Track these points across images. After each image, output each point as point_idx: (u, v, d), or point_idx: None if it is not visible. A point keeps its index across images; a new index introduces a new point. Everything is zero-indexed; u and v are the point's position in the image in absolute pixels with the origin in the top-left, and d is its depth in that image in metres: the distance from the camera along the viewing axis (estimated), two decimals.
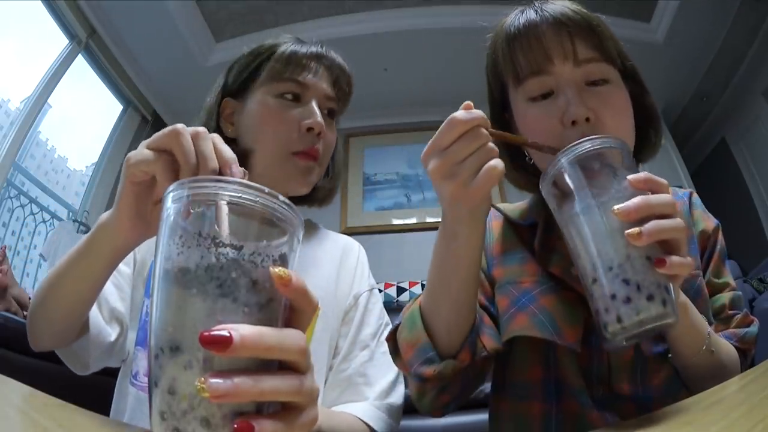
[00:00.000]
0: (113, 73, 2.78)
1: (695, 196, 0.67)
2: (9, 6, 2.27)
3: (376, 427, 0.62)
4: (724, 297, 0.59)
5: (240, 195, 0.28)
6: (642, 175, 0.40)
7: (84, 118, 3.00)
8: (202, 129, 0.40)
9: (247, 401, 0.26)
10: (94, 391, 0.69)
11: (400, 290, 2.64)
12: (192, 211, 0.28)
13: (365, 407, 0.63)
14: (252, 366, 0.26)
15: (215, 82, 0.76)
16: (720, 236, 0.63)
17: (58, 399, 0.40)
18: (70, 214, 2.73)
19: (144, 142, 0.41)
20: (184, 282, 0.26)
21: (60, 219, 2.65)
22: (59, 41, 2.50)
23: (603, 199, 0.40)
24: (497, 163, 0.41)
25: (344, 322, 0.72)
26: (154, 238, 0.44)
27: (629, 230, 0.37)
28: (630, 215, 0.38)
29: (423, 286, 2.64)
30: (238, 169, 0.40)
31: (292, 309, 0.29)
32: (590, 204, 0.41)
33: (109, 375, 0.68)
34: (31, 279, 2.50)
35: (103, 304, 0.62)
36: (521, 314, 0.55)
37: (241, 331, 0.25)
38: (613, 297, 0.39)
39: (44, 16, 2.41)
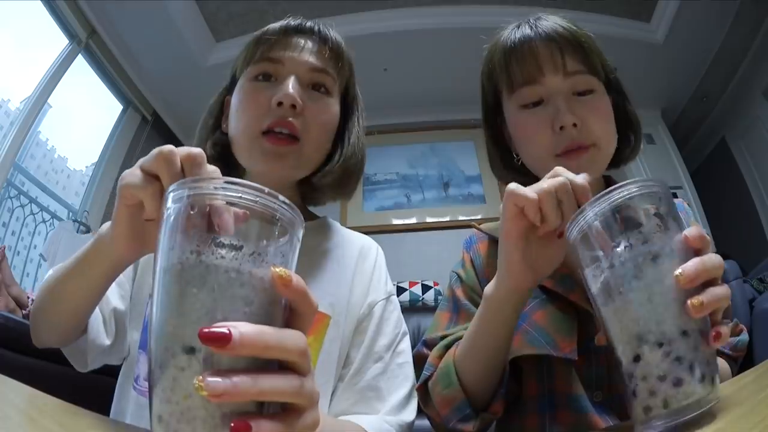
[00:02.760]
0: (113, 73, 2.78)
1: (685, 204, 0.69)
2: (9, 6, 2.27)
3: None
4: None
5: (240, 195, 0.27)
6: (697, 231, 0.35)
7: (84, 118, 3.00)
8: (196, 152, 0.38)
9: (246, 401, 0.25)
10: (94, 391, 0.69)
11: (400, 290, 2.63)
12: (192, 211, 0.28)
13: (374, 420, 0.60)
14: (252, 366, 0.26)
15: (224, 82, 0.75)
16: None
17: (58, 399, 0.40)
18: (70, 214, 2.73)
19: (140, 161, 0.40)
20: (185, 281, 0.26)
21: (60, 219, 2.65)
22: (59, 41, 2.50)
23: (653, 258, 0.34)
24: (518, 220, 0.43)
25: (357, 332, 0.67)
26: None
27: (693, 300, 0.32)
28: (692, 282, 0.33)
29: (423, 286, 2.65)
30: None
31: (292, 310, 0.29)
32: (637, 264, 0.34)
33: (109, 375, 0.68)
34: (31, 279, 2.50)
35: (104, 304, 0.61)
36: (516, 335, 0.56)
37: (240, 328, 0.24)
38: (662, 378, 0.33)
39: (44, 16, 2.41)
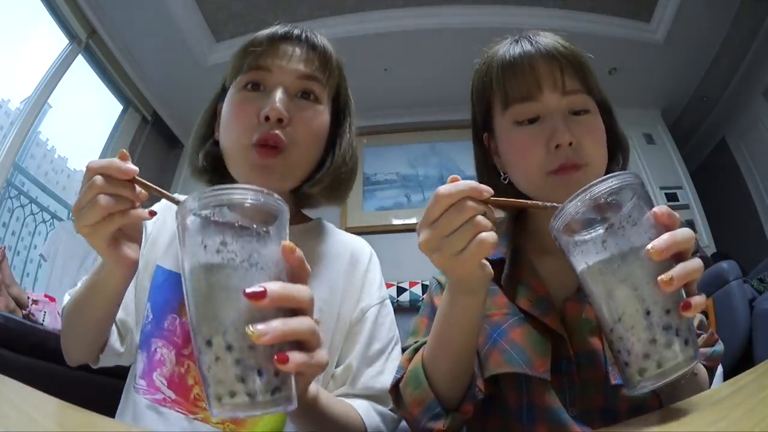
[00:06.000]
0: (113, 73, 2.78)
1: None
2: (9, 6, 2.27)
3: (369, 428, 0.60)
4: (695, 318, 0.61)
5: (241, 196, 0.36)
6: (664, 209, 0.39)
7: (84, 118, 3.00)
8: (105, 163, 0.45)
9: (281, 341, 0.34)
10: (95, 391, 0.69)
11: (401, 290, 2.64)
12: (213, 213, 0.35)
13: (363, 404, 0.62)
14: (278, 317, 0.35)
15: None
16: None
17: (58, 399, 0.40)
18: (70, 214, 2.73)
19: (79, 209, 0.45)
20: (222, 267, 0.34)
21: (60, 219, 2.65)
22: (59, 41, 2.50)
23: (631, 239, 0.39)
24: (486, 236, 0.42)
25: (350, 335, 0.67)
26: (152, 246, 0.56)
27: (663, 277, 0.36)
28: (662, 254, 0.37)
29: (423, 286, 2.65)
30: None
31: (291, 274, 0.37)
32: (619, 245, 0.39)
33: (109, 375, 0.68)
34: (31, 279, 2.50)
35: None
36: (495, 351, 0.58)
37: (269, 286, 0.34)
38: (654, 342, 0.37)
39: (44, 16, 2.41)
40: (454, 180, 0.44)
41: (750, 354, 1.47)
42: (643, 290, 0.38)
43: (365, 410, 0.61)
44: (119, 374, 0.67)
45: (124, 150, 0.47)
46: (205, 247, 0.34)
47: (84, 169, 0.46)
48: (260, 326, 0.33)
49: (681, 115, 3.38)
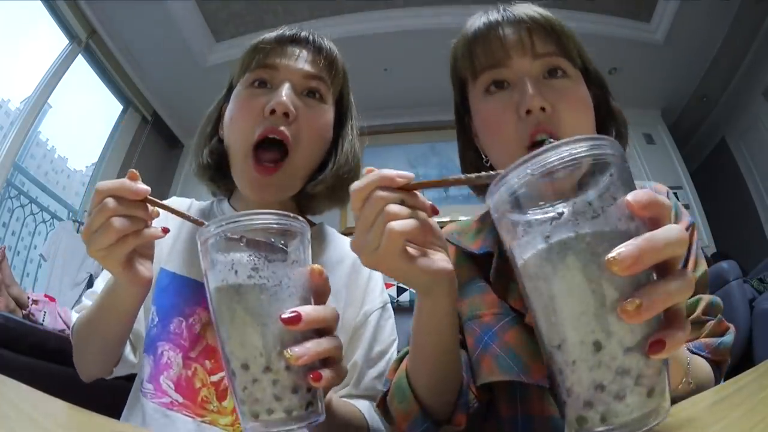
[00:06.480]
0: (113, 73, 2.79)
1: (667, 189, 0.61)
2: (9, 6, 2.27)
3: (371, 427, 0.61)
4: (703, 300, 0.55)
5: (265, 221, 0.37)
6: (644, 196, 0.26)
7: (84, 118, 3.00)
8: (116, 185, 0.44)
9: (315, 360, 0.36)
10: (94, 391, 0.69)
11: (401, 290, 2.63)
12: (241, 237, 0.36)
13: (367, 405, 0.63)
14: (309, 336, 0.37)
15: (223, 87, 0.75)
16: (695, 234, 0.59)
17: (58, 399, 0.40)
18: (70, 214, 2.73)
19: (89, 235, 0.45)
20: (254, 292, 0.35)
21: (60, 219, 2.65)
22: (59, 41, 2.51)
23: (588, 237, 0.26)
24: (393, 225, 0.37)
25: (353, 339, 0.68)
26: (155, 248, 0.53)
27: (626, 304, 0.25)
28: (629, 268, 0.25)
29: None
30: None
31: (316, 293, 0.40)
32: (567, 243, 0.27)
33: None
34: (31, 279, 2.50)
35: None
36: (486, 356, 0.53)
37: (303, 310, 0.36)
38: (601, 388, 0.26)
39: (44, 16, 2.41)
40: (368, 172, 0.40)
41: (750, 354, 1.47)
42: (594, 314, 0.26)
43: (367, 410, 0.62)
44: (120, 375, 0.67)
45: (134, 170, 0.46)
46: (236, 272, 0.35)
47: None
48: (297, 349, 0.35)
49: (681, 115, 3.38)
